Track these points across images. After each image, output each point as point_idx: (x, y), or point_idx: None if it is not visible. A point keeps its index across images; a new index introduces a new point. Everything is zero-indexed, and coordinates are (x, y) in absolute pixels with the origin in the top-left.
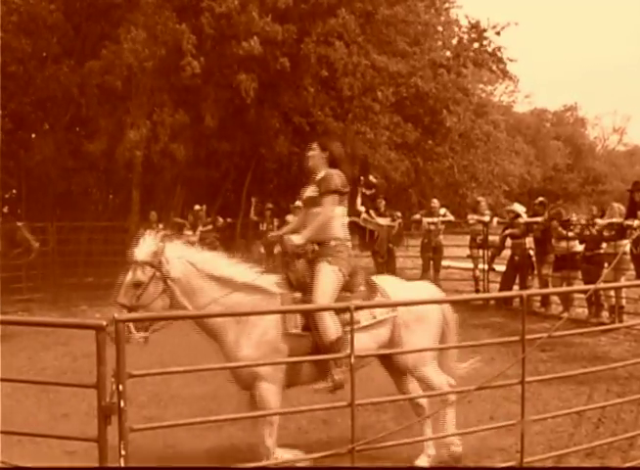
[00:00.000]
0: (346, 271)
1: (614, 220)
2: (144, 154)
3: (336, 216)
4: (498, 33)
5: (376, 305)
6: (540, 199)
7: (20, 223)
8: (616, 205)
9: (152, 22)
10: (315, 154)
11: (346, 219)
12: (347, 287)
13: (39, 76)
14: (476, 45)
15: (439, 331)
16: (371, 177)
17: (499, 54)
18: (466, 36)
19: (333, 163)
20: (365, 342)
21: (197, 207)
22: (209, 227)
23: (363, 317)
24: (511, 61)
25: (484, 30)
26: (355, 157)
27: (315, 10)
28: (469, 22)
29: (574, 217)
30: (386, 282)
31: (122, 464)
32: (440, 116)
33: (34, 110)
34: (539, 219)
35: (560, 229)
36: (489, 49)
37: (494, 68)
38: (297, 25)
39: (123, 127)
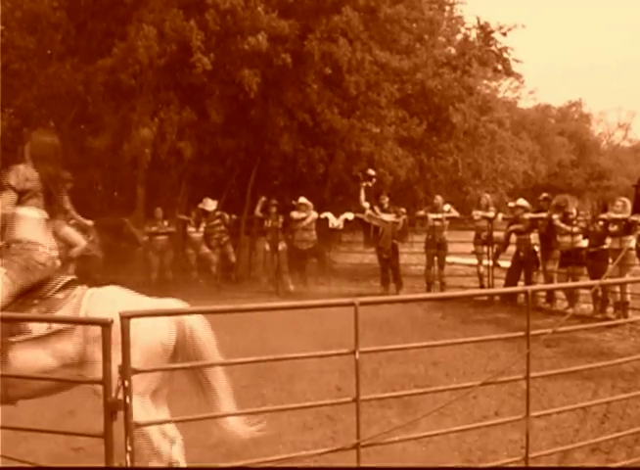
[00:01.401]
0: (20, 278)
1: (619, 216)
2: (151, 152)
3: (22, 217)
4: (505, 34)
5: (379, 301)
6: (545, 195)
7: (126, 219)
8: (626, 200)
9: (159, 19)
10: (25, 147)
11: (43, 221)
12: (37, 294)
13: (42, 74)
14: (480, 42)
15: (158, 358)
16: (370, 170)
17: (505, 55)
18: (473, 33)
19: (33, 158)
20: (41, 357)
21: (209, 202)
22: (216, 222)
23: (37, 326)
24: (517, 62)
25: (492, 31)
26: (359, 154)
27: (319, 6)
28: (478, 21)
29: (574, 211)
30: (105, 292)
31: (128, 460)
32: (445, 113)
33: (38, 107)
34: (544, 215)
35: (562, 225)
36: (496, 50)
37: (499, 67)
38: (301, 22)
39: (129, 125)
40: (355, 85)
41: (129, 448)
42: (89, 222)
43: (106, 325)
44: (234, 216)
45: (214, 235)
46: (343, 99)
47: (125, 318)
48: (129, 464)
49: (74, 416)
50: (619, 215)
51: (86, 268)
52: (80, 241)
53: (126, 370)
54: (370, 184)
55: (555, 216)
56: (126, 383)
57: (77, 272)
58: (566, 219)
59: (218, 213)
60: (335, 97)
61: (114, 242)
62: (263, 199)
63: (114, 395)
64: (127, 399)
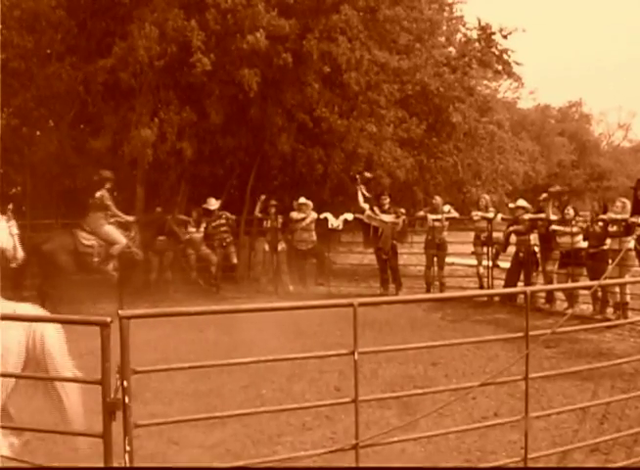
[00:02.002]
0: None
1: (618, 217)
2: (152, 152)
3: None
4: (505, 37)
5: (378, 302)
6: (544, 195)
7: (169, 216)
8: (626, 201)
9: (160, 18)
10: None
11: None
12: None
13: (42, 74)
14: (482, 44)
15: (11, 362)
16: (366, 173)
17: (506, 57)
18: (474, 33)
19: None
20: None
21: (212, 201)
22: (220, 222)
23: None
24: (518, 64)
25: (493, 33)
26: (358, 155)
27: (319, 6)
28: (479, 23)
29: (571, 211)
30: None
31: (127, 460)
32: (445, 113)
33: (37, 106)
34: (543, 215)
35: (559, 228)
36: (496, 52)
37: (499, 68)
38: (301, 22)
39: (129, 125)
40: (356, 81)
41: (128, 448)
42: (130, 218)
43: (105, 325)
44: (233, 216)
45: (217, 235)
46: (343, 98)
47: (125, 318)
48: (128, 464)
49: None
50: (619, 216)
51: (126, 265)
52: (121, 239)
53: (125, 370)
54: (365, 192)
55: (553, 217)
56: (125, 383)
57: (117, 269)
58: (563, 220)
59: (221, 213)
60: (334, 97)
61: (156, 238)
62: (263, 198)
63: None
64: (126, 399)
